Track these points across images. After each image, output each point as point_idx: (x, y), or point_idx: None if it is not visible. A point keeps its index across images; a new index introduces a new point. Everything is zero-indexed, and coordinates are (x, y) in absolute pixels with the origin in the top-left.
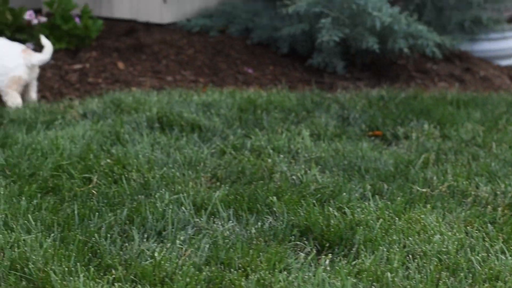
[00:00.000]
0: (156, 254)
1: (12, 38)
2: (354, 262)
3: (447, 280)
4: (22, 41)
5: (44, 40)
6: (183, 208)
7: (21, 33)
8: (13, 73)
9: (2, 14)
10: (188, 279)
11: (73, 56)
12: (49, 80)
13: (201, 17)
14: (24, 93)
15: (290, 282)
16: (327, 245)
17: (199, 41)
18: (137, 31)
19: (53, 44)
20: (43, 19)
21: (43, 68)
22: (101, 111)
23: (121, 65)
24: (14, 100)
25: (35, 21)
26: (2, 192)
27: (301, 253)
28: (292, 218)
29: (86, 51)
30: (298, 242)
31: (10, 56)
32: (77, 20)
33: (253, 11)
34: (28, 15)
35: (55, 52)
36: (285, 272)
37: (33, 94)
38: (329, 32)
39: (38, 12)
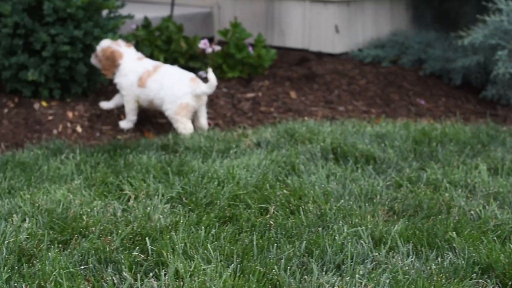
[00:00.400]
0: None
1: (185, 66)
2: None
3: None
4: (195, 69)
5: (210, 75)
6: (361, 241)
7: (195, 61)
8: (180, 101)
9: (177, 43)
10: None
11: (246, 85)
12: (222, 108)
13: (373, 47)
14: (194, 120)
15: None
16: (510, 283)
17: (371, 71)
18: (309, 60)
19: (226, 72)
20: (217, 47)
21: (217, 96)
22: (275, 140)
23: (293, 94)
24: (184, 126)
25: (209, 50)
26: (181, 221)
27: None
28: (473, 254)
29: (258, 79)
30: (480, 280)
31: (179, 84)
32: (250, 49)
33: (425, 42)
34: (203, 44)
35: (228, 80)
36: None
37: (203, 121)
38: (505, 65)
39: (210, 40)
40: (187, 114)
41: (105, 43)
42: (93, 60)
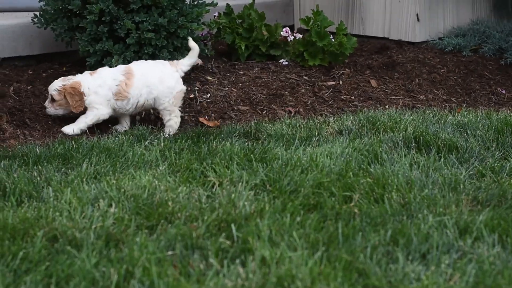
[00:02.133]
0: (423, 277)
1: (266, 54)
2: None
3: None
4: (276, 57)
5: (191, 43)
6: (446, 231)
7: (276, 49)
8: (176, 90)
9: (259, 30)
10: None
11: (327, 73)
12: (303, 95)
13: (454, 36)
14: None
15: None
16: None
17: (451, 60)
18: (389, 49)
19: (307, 60)
20: (299, 35)
21: (298, 84)
22: (357, 128)
23: (374, 82)
24: (178, 118)
25: (290, 38)
26: (266, 208)
27: None
28: None
29: (339, 68)
30: None
31: (168, 75)
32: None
33: (506, 31)
34: (284, 31)
35: (309, 68)
36: None
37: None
38: None
39: (290, 28)
40: (180, 103)
41: (57, 84)
42: (52, 109)
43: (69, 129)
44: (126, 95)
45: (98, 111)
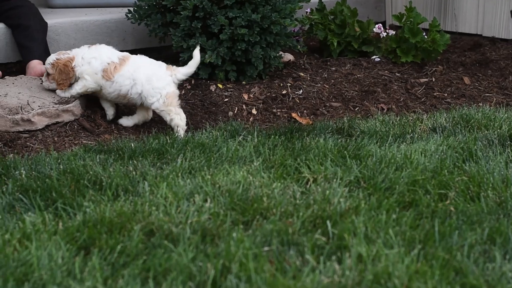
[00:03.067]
0: None
1: (358, 50)
2: None
3: None
4: (368, 54)
5: (196, 52)
6: None
7: (368, 45)
8: (165, 92)
9: (351, 27)
10: None
11: (419, 70)
12: (395, 92)
13: None
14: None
15: None
16: None
17: None
18: (482, 46)
19: (400, 56)
20: (391, 32)
21: (390, 80)
22: (451, 126)
23: (466, 80)
24: (180, 115)
25: (383, 34)
26: (362, 205)
27: None
28: None
29: (431, 65)
30: None
31: (158, 76)
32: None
33: None
34: (377, 28)
35: (401, 65)
36: None
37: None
38: None
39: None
40: (178, 102)
41: (52, 58)
42: (47, 83)
43: (62, 93)
44: (111, 77)
45: (86, 82)
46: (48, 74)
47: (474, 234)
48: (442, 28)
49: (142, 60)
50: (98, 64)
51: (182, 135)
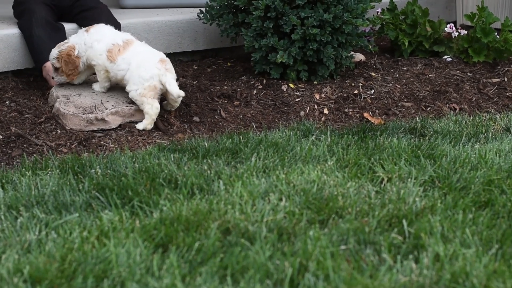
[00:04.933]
0: None
1: (429, 50)
2: None
3: None
4: (440, 54)
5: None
6: None
7: (439, 45)
8: (146, 84)
9: (423, 26)
10: None
11: (491, 70)
12: (467, 92)
13: None
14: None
15: None
16: None
17: None
18: None
19: (471, 56)
20: (463, 31)
21: (462, 80)
22: None
23: None
24: (152, 105)
25: (454, 34)
26: (438, 204)
27: None
28: None
29: (504, 64)
30: None
31: (148, 67)
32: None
33: None
34: (449, 28)
35: (473, 65)
36: None
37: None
38: None
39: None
40: (155, 95)
41: (54, 52)
42: (58, 77)
43: (96, 88)
44: (114, 58)
45: (99, 66)
46: (56, 69)
47: None
48: None
49: (142, 47)
50: (102, 45)
51: (140, 127)
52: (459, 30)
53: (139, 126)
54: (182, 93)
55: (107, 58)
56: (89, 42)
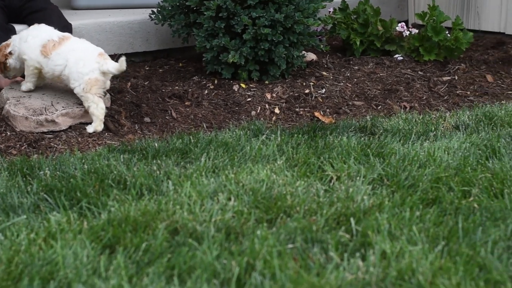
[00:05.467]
0: None
1: (381, 49)
2: None
3: None
4: (391, 52)
5: (121, 59)
6: None
7: (391, 44)
8: (86, 77)
9: (374, 26)
10: None
11: (442, 68)
12: (418, 91)
13: None
14: None
15: None
16: None
17: None
18: (505, 44)
19: (422, 55)
20: (414, 30)
21: (413, 79)
22: (474, 123)
23: (489, 78)
24: (98, 105)
25: (406, 33)
26: (385, 202)
27: None
28: None
29: (454, 63)
30: None
31: (86, 61)
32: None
33: None
34: (400, 27)
35: (424, 63)
36: None
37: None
38: None
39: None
40: (98, 91)
41: None
42: (6, 74)
43: (23, 87)
44: (48, 53)
45: (28, 60)
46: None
47: (498, 230)
48: (465, 27)
49: (80, 43)
50: (37, 40)
51: (90, 130)
52: (410, 29)
53: (89, 129)
54: (123, 66)
55: (40, 53)
56: (25, 37)
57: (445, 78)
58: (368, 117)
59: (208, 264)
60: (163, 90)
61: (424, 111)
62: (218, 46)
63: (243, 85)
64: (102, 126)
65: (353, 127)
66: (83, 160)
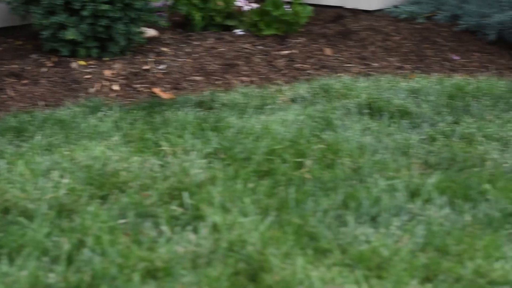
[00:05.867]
0: (372, 239)
1: (222, 24)
2: None
3: None
4: (231, 27)
5: None
6: (397, 194)
7: (232, 19)
8: None
9: (214, 1)
10: (404, 265)
11: (281, 42)
12: (257, 65)
13: (409, 4)
14: None
15: (507, 271)
16: None
17: (405, 27)
18: (344, 17)
19: (262, 30)
20: (255, 5)
21: (252, 53)
22: (310, 96)
23: (328, 51)
24: None
25: (246, 8)
26: (219, 175)
27: None
28: (508, 206)
29: (294, 37)
30: None
31: None
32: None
33: None
34: (239, 2)
35: (264, 38)
36: (503, 261)
37: None
38: None
39: None
40: None
41: None
42: None
43: None
44: None
45: None
46: None
47: (329, 200)
48: (305, 1)
49: None
50: None
51: None
52: (250, 4)
53: None
54: None
55: None
56: None
57: (284, 52)
58: (207, 92)
59: (38, 241)
60: (0, 69)
61: (263, 85)
62: (57, 23)
63: (82, 63)
64: None
65: (192, 102)
66: None
